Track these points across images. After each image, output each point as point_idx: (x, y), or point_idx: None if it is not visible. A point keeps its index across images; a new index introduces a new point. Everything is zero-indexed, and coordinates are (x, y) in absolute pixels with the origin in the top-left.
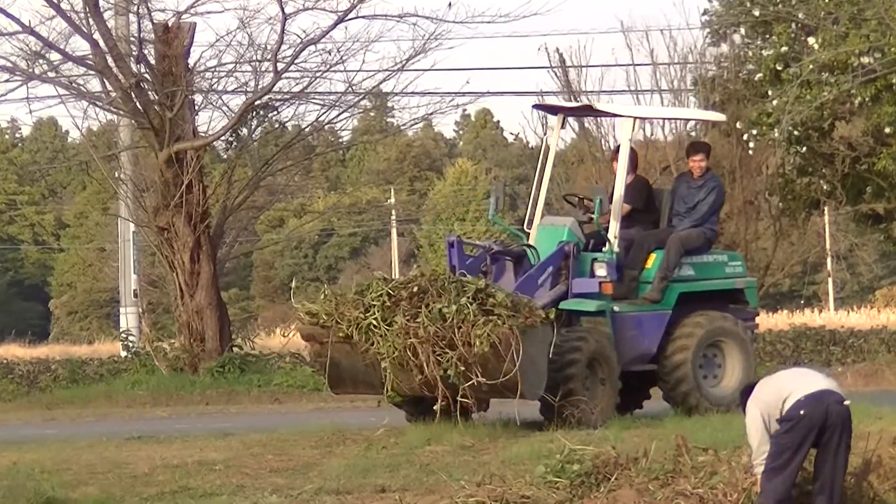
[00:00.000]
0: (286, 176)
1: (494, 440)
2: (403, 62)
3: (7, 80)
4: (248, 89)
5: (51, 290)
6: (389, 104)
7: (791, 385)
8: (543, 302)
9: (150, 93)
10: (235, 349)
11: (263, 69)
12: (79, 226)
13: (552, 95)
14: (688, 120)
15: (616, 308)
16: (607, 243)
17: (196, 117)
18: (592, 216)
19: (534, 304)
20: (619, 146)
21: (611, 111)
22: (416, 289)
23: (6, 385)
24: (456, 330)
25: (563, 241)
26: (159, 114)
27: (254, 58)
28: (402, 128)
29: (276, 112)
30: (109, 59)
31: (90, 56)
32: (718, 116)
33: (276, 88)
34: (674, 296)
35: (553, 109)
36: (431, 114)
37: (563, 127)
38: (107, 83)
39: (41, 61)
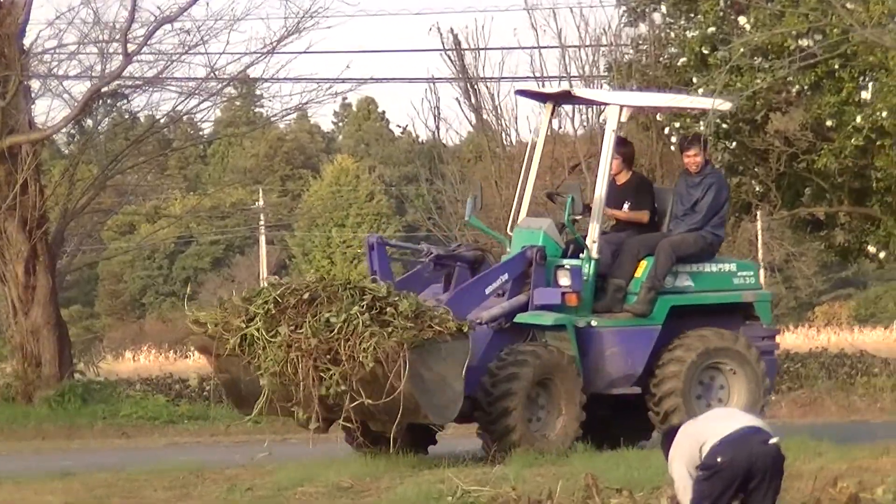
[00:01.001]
0: (138, 174)
1: (377, 480)
2: (274, 44)
3: None
4: (94, 74)
5: None
6: (258, 92)
7: (707, 430)
8: (493, 314)
9: None
10: (77, 375)
11: (111, 51)
12: None
13: (445, 82)
14: (686, 109)
15: (593, 322)
16: (584, 249)
17: (33, 106)
18: (577, 218)
19: (445, 316)
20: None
21: (593, 98)
22: (306, 295)
23: None
24: (343, 343)
25: (525, 246)
26: None
27: (100, 38)
28: (273, 119)
29: (126, 101)
30: None
31: None
32: (724, 105)
33: (125, 73)
34: (664, 309)
35: (539, 96)
36: (306, 103)
37: (552, 117)
38: None
39: None
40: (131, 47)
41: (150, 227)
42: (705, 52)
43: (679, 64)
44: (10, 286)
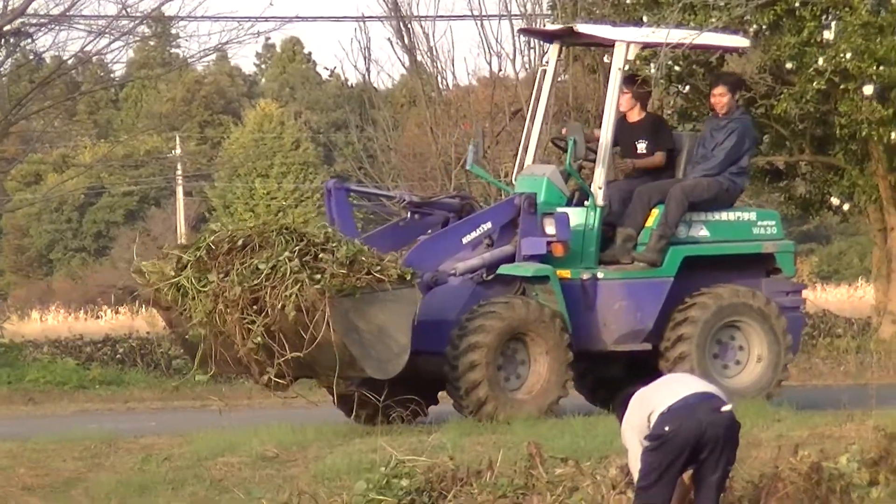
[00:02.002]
0: (44, 120)
1: (304, 449)
2: None
3: None
4: None
5: None
6: (173, 31)
7: (656, 397)
8: (470, 265)
9: None
10: None
11: None
12: None
13: (376, 21)
14: (701, 47)
15: (599, 274)
16: (589, 196)
17: None
18: (581, 162)
19: (388, 263)
20: (625, 77)
21: (598, 34)
22: (240, 241)
23: None
24: (270, 291)
25: (515, 194)
26: None
27: None
28: (190, 61)
29: (30, 40)
30: None
31: None
32: (740, 42)
33: (29, 10)
34: (676, 260)
35: (544, 35)
36: (226, 43)
37: (560, 56)
38: None
39: None
40: None
41: (58, 177)
42: None
43: (628, 2)
44: None
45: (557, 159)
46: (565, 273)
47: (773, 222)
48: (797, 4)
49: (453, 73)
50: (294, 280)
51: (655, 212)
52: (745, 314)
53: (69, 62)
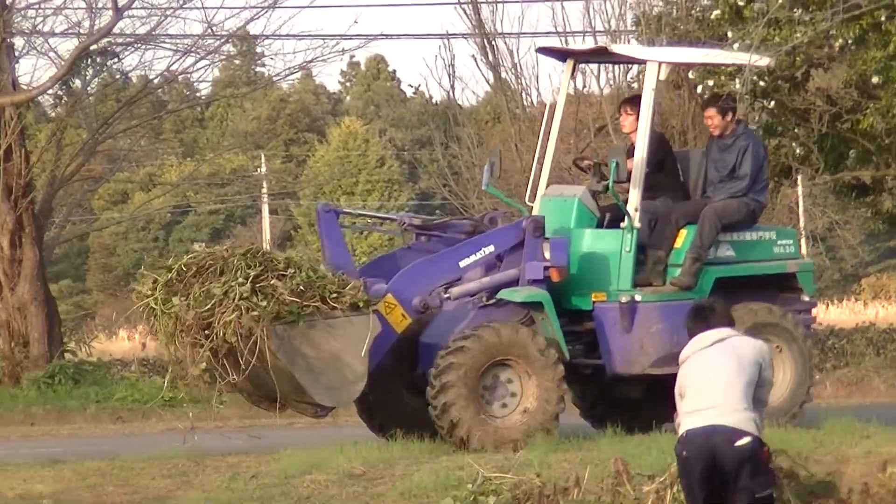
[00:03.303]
0: (130, 139)
1: (391, 467)
2: None
3: None
4: (82, 31)
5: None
6: (259, 49)
7: (682, 412)
8: (466, 289)
9: None
10: (67, 355)
11: (100, 5)
12: None
13: (461, 38)
14: (727, 65)
15: (637, 297)
16: (626, 217)
17: (16, 66)
18: (608, 184)
19: (345, 290)
20: (629, 97)
21: (630, 54)
22: (206, 265)
23: None
24: (219, 316)
25: (522, 217)
26: None
27: None
28: (275, 79)
29: (116, 59)
30: None
31: None
32: (764, 60)
33: (116, 30)
34: (710, 281)
35: (562, 53)
36: (311, 61)
37: (573, 75)
38: None
39: None
40: (122, 1)
41: (145, 195)
42: (741, 3)
43: (712, 17)
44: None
45: (575, 179)
46: (601, 296)
47: (791, 241)
48: (883, 18)
49: (537, 90)
50: (235, 307)
51: (684, 233)
52: (775, 333)
53: (155, 81)
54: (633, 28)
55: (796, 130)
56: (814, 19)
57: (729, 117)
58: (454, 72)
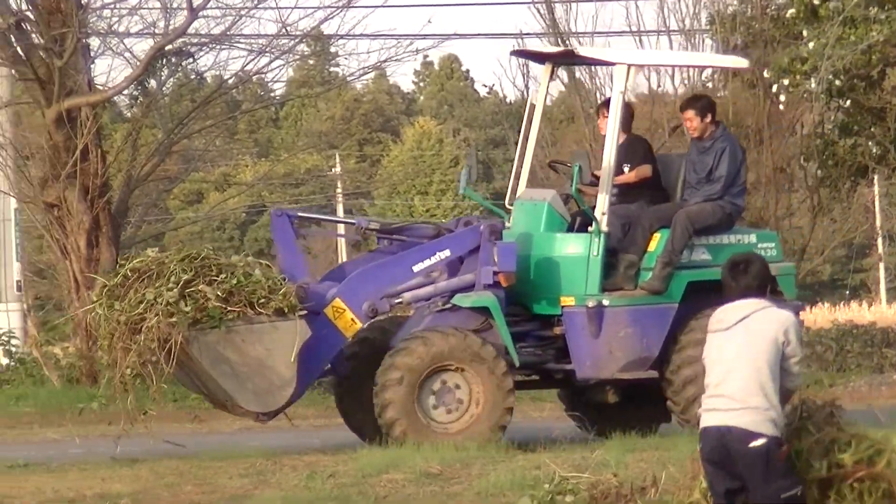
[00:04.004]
0: (205, 139)
1: (467, 466)
2: None
3: None
4: (157, 31)
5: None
6: (333, 49)
7: (702, 408)
8: (419, 293)
9: (33, 35)
10: None
11: (175, 5)
12: None
13: (534, 38)
14: (701, 67)
15: (605, 301)
16: (594, 221)
17: (92, 66)
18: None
19: (274, 295)
20: (607, 100)
21: (597, 57)
22: (149, 269)
23: None
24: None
25: (480, 221)
26: (46, 62)
27: None
28: (349, 79)
29: (191, 59)
30: None
31: None
32: (739, 62)
33: (191, 30)
34: (681, 286)
35: (537, 56)
36: (385, 61)
37: (552, 78)
38: None
39: None
40: (197, 1)
41: (220, 195)
42: (816, 2)
43: (787, 15)
44: (72, 259)
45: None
46: (569, 300)
47: (773, 244)
48: None
49: (612, 89)
50: (158, 312)
51: (657, 237)
52: None
53: (230, 81)
54: (708, 27)
55: (872, 129)
56: (889, 17)
57: (708, 119)
58: (528, 71)
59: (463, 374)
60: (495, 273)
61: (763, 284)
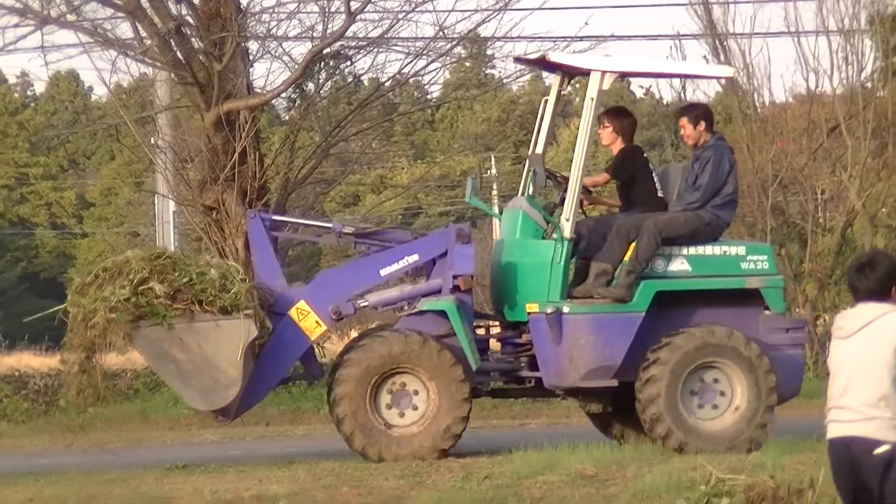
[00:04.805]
0: (362, 142)
1: (623, 468)
2: (507, 0)
3: (16, 25)
4: (315, 34)
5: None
6: (489, 52)
7: (827, 401)
8: (385, 297)
9: (193, 40)
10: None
11: (333, 9)
12: (106, 205)
13: (691, 39)
14: (682, 76)
15: (566, 308)
16: (556, 229)
17: (251, 70)
18: (590, 194)
19: (222, 295)
20: (606, 110)
21: (570, 63)
22: (115, 268)
23: (18, 403)
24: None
25: (452, 226)
26: (205, 66)
27: None
28: (506, 81)
29: (349, 62)
30: None
31: None
32: (724, 71)
33: (349, 33)
34: (648, 294)
35: (544, 65)
36: None
37: (563, 87)
38: (139, 28)
39: (58, 1)
40: (354, 5)
41: (376, 197)
42: None
43: None
44: (230, 262)
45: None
46: (534, 307)
47: (765, 257)
48: None
49: (769, 90)
50: (104, 308)
51: (634, 246)
52: (721, 355)
53: (387, 84)
54: (867, 28)
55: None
56: None
57: (701, 127)
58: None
59: (417, 376)
60: (454, 277)
61: (887, 287)
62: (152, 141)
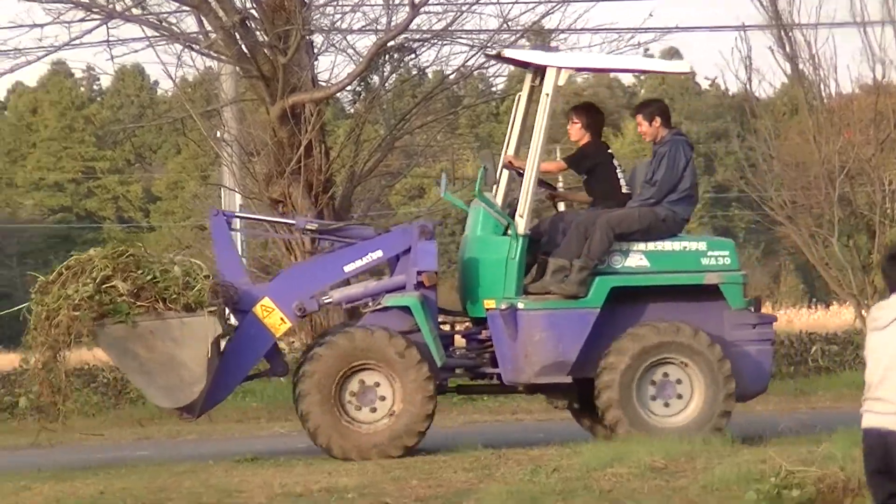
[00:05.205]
0: (427, 134)
1: (692, 460)
2: None
3: (82, 20)
4: (380, 27)
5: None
6: (553, 43)
7: (869, 379)
8: (348, 294)
9: (258, 33)
10: None
11: (397, 2)
12: (172, 198)
13: (757, 30)
14: (639, 72)
15: (520, 304)
16: (510, 225)
17: (315, 63)
18: (554, 189)
19: (183, 292)
20: (574, 106)
21: (525, 59)
22: (83, 263)
23: (89, 396)
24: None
25: (415, 223)
26: (270, 59)
27: None
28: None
29: (413, 55)
30: None
31: None
32: (680, 67)
33: (413, 26)
34: (603, 290)
35: (504, 60)
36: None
37: (534, 82)
38: (205, 22)
39: None
40: None
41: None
42: None
43: None
44: (297, 255)
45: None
46: (491, 304)
47: (727, 252)
48: None
49: (836, 81)
50: (67, 306)
51: None
52: (672, 351)
53: (451, 77)
54: None
55: None
56: None
57: (657, 123)
58: (751, 63)
59: (381, 371)
60: (418, 273)
61: None
62: (218, 134)
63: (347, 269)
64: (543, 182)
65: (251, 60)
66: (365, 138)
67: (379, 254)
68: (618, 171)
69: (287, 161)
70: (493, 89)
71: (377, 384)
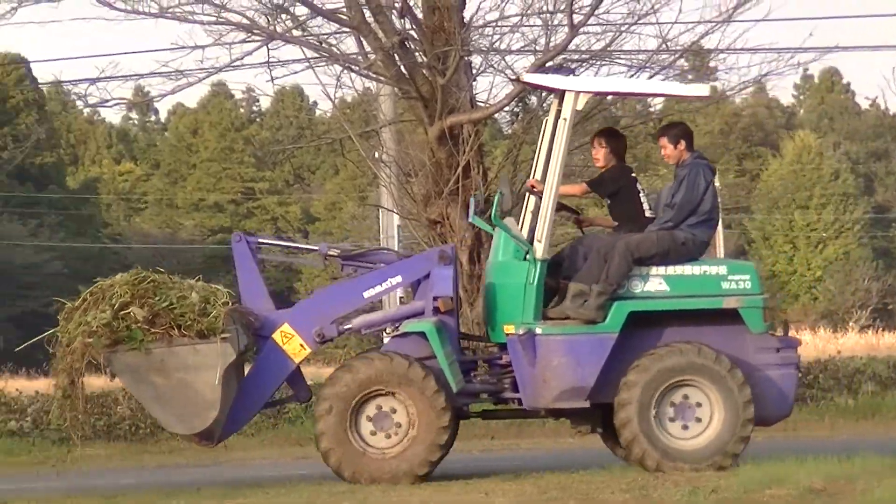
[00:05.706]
0: (584, 154)
1: (851, 482)
2: (731, 11)
3: (243, 41)
4: (538, 48)
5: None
6: (712, 64)
7: None
8: (368, 320)
9: (416, 54)
10: None
11: (556, 22)
12: (331, 219)
13: None
14: (657, 96)
15: (538, 329)
16: (528, 250)
17: (474, 83)
18: (578, 214)
19: (198, 318)
20: (600, 130)
21: (544, 84)
22: (105, 289)
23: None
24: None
25: (435, 248)
26: (428, 79)
27: (544, 8)
28: (729, 93)
29: (572, 75)
30: (367, 13)
31: (343, 10)
32: (700, 91)
33: (571, 46)
34: (621, 315)
35: (526, 84)
36: (765, 75)
37: (561, 106)
38: (364, 43)
39: (284, 17)
40: (577, 18)
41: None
42: None
43: None
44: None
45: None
46: (510, 328)
47: (748, 276)
48: None
49: None
50: (83, 332)
51: None
52: (692, 373)
53: (609, 97)
54: None
55: None
56: None
57: (681, 146)
58: None
59: (398, 397)
60: (434, 299)
61: None
62: (376, 155)
63: (367, 294)
64: (566, 206)
65: (410, 81)
66: (522, 159)
67: (399, 279)
68: (641, 194)
69: (445, 182)
70: (651, 109)
71: (394, 410)
